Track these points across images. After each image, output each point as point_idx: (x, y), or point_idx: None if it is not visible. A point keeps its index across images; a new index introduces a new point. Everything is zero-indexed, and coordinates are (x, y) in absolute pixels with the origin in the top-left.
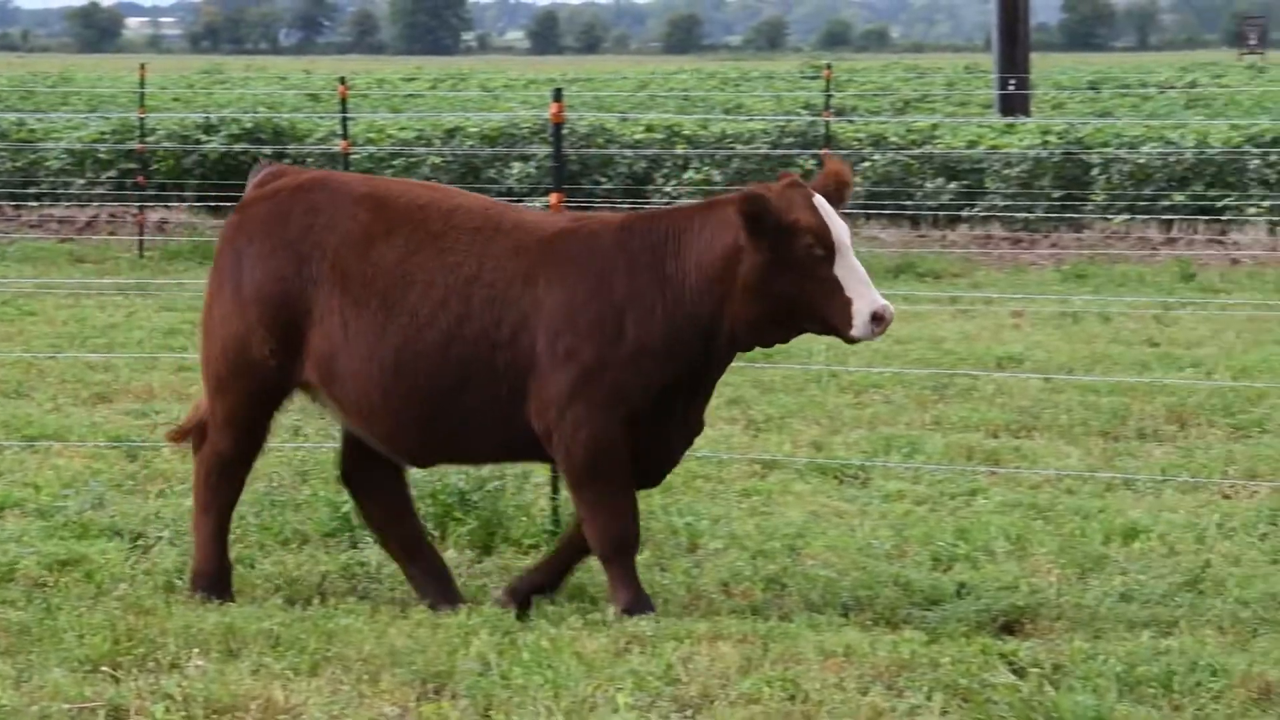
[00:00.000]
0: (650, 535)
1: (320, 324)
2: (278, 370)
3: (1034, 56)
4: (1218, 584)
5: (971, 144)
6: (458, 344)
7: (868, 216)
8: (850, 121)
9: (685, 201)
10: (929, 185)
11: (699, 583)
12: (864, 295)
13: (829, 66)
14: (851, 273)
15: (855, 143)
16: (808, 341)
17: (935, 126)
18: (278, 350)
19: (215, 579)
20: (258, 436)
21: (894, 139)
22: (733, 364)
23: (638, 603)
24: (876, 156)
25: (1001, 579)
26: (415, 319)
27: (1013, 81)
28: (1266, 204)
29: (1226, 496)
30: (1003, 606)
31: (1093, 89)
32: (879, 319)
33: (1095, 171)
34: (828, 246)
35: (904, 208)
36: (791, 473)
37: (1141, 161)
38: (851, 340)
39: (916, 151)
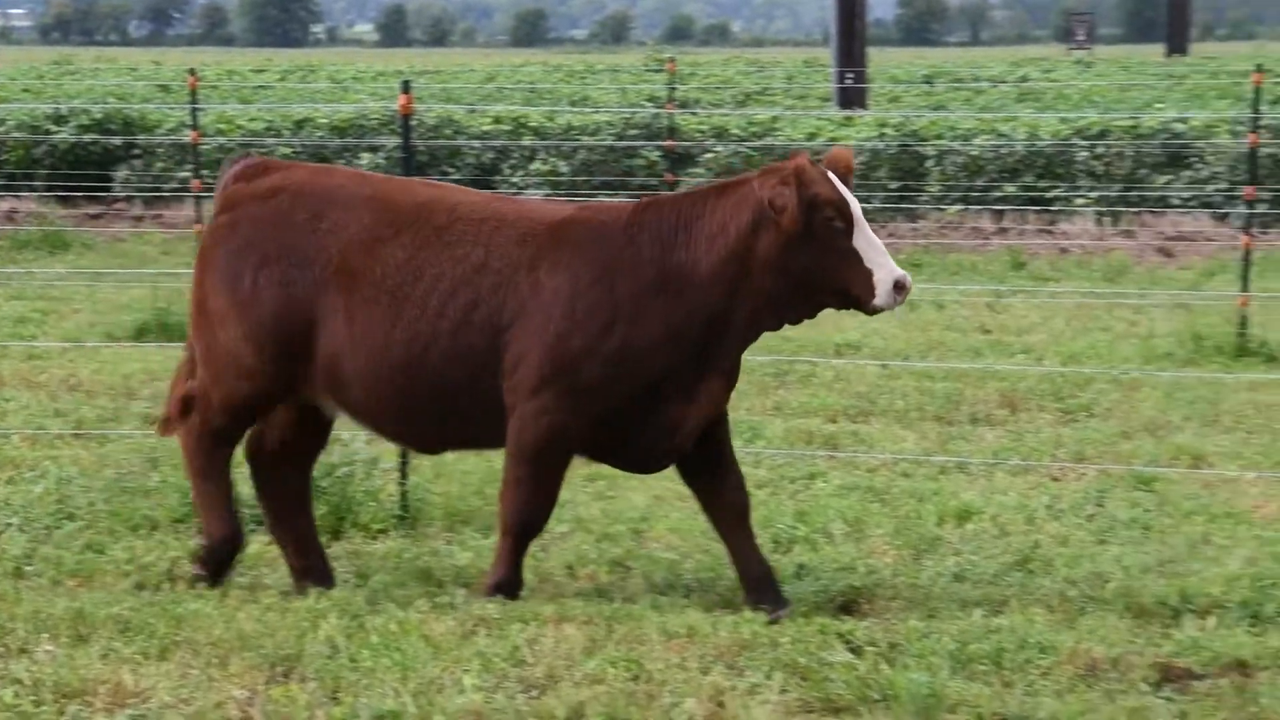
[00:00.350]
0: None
1: (324, 326)
2: (277, 375)
3: (871, 51)
4: (1046, 564)
5: (811, 136)
6: (466, 332)
7: None
8: (693, 114)
9: (696, 185)
10: None
11: (545, 566)
12: (884, 265)
13: (672, 60)
14: (870, 244)
15: (698, 135)
16: None
17: (775, 119)
18: (279, 355)
19: (232, 544)
20: (252, 420)
21: (736, 131)
22: None
23: (509, 584)
24: (719, 148)
25: (839, 560)
26: (425, 311)
27: (850, 75)
28: (1094, 195)
29: (1055, 479)
30: (840, 587)
31: (927, 83)
32: (900, 287)
33: (930, 163)
34: (847, 219)
35: None
36: None
37: (974, 153)
38: (873, 310)
39: (758, 143)
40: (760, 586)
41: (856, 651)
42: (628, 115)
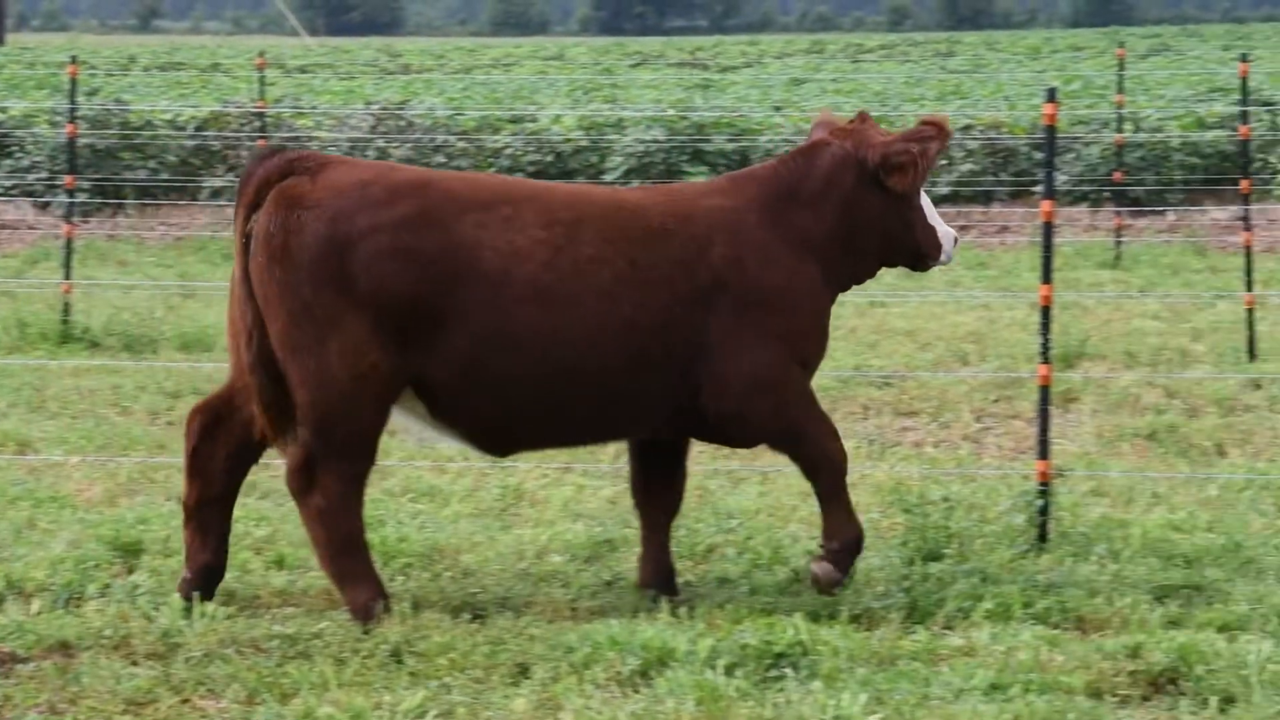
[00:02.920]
0: None
1: (460, 324)
2: (401, 370)
3: None
4: None
5: None
6: (633, 333)
7: None
8: None
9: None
10: None
11: None
12: (940, 222)
13: None
14: (926, 202)
15: None
16: None
17: None
18: (399, 351)
19: (383, 603)
20: (377, 442)
21: None
22: None
23: (858, 536)
24: None
25: None
26: (588, 314)
27: None
28: None
29: None
30: None
31: None
32: (955, 242)
33: None
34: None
35: None
36: None
37: None
38: (931, 266)
39: None
40: (660, 581)
41: None
42: None
